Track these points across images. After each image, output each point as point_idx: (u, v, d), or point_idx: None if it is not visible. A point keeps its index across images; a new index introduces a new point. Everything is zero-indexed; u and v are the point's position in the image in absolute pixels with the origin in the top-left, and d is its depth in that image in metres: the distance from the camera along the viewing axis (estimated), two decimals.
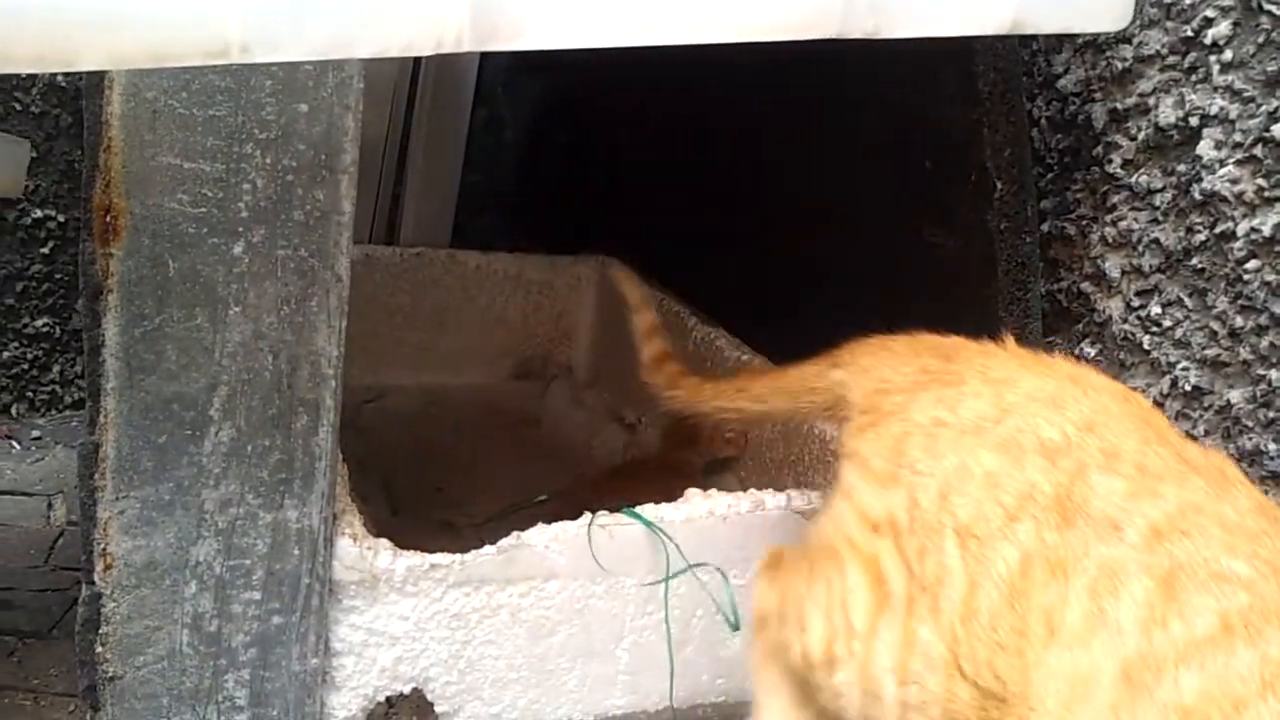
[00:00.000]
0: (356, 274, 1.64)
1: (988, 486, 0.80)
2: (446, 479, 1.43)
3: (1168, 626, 0.70)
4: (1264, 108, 0.97)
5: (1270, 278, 0.95)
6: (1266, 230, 0.96)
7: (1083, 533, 0.76)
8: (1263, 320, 0.96)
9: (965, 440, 0.83)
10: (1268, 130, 0.97)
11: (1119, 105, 1.10)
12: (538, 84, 1.84)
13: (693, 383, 1.08)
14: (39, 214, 1.63)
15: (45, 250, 1.64)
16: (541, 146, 1.86)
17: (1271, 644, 0.68)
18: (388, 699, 0.96)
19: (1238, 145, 0.99)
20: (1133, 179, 1.08)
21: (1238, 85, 1.00)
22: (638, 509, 0.99)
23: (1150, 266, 1.06)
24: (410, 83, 1.85)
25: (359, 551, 0.93)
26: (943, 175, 1.10)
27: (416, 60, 1.81)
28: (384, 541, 0.95)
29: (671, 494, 1.04)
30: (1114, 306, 1.09)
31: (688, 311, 1.46)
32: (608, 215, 1.74)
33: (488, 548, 0.95)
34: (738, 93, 1.36)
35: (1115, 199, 1.09)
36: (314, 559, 0.93)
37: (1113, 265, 1.09)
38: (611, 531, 0.97)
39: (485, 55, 1.83)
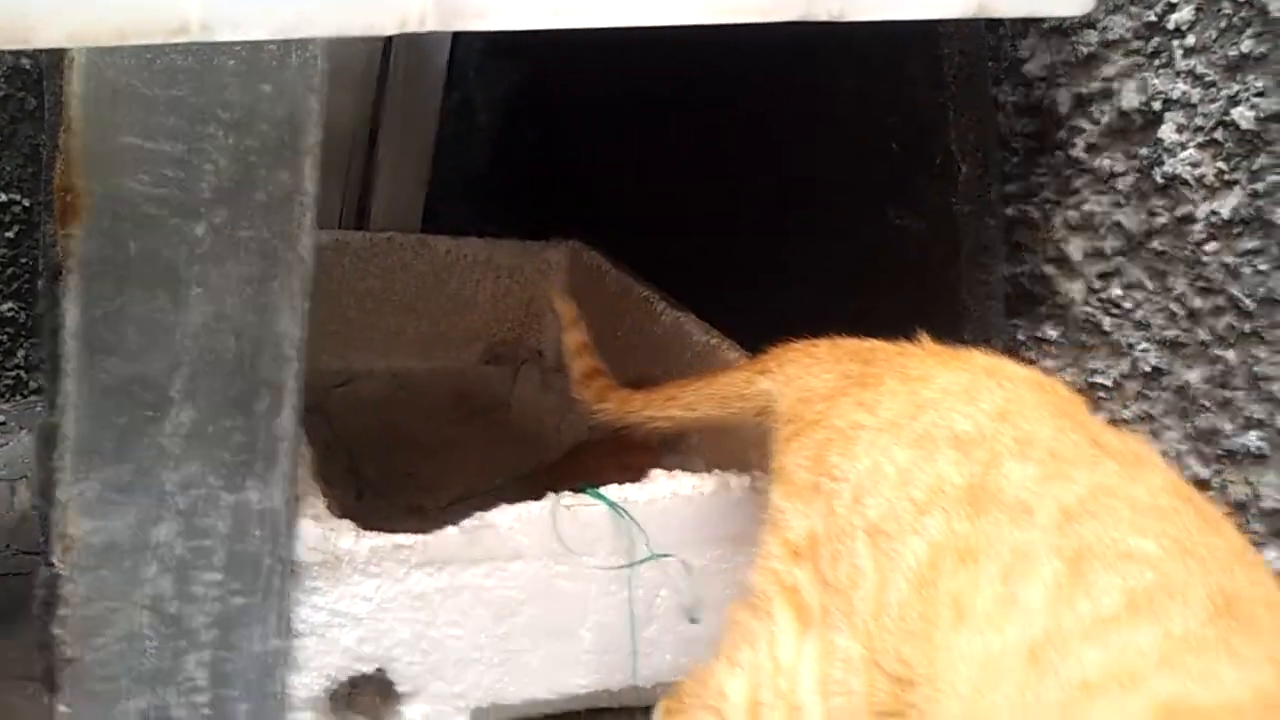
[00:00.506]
0: (326, 259, 1.64)
1: (899, 483, 0.81)
2: (416, 463, 1.43)
3: (1075, 606, 0.71)
4: (1224, 92, 0.98)
5: (1228, 259, 0.96)
6: (1225, 213, 0.96)
7: (995, 519, 0.77)
8: (1220, 302, 0.97)
9: (881, 440, 0.84)
10: (1228, 114, 0.98)
11: (1083, 90, 1.11)
12: (510, 68, 1.84)
13: (622, 395, 1.10)
14: (3, 198, 1.61)
15: (10, 235, 1.63)
16: (514, 131, 1.85)
17: (1174, 620, 0.69)
18: (350, 679, 0.96)
19: (1199, 129, 1.00)
20: (1096, 163, 1.08)
21: (1199, 70, 1.00)
22: (601, 489, 0.99)
23: (1112, 249, 1.06)
24: (381, 66, 1.84)
25: (321, 533, 0.93)
26: (908, 159, 1.11)
27: (388, 43, 1.80)
28: (347, 523, 0.95)
29: (632, 469, 1.05)
30: (1076, 289, 1.10)
31: (656, 296, 1.46)
32: (580, 200, 1.74)
33: (451, 528, 0.95)
34: (709, 77, 1.36)
35: (1078, 183, 1.10)
36: (276, 540, 0.92)
37: (1075, 248, 1.10)
38: (575, 512, 0.97)
39: (457, 38, 1.82)
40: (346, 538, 0.94)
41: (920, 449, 0.82)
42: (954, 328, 1.08)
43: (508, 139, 1.85)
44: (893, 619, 0.78)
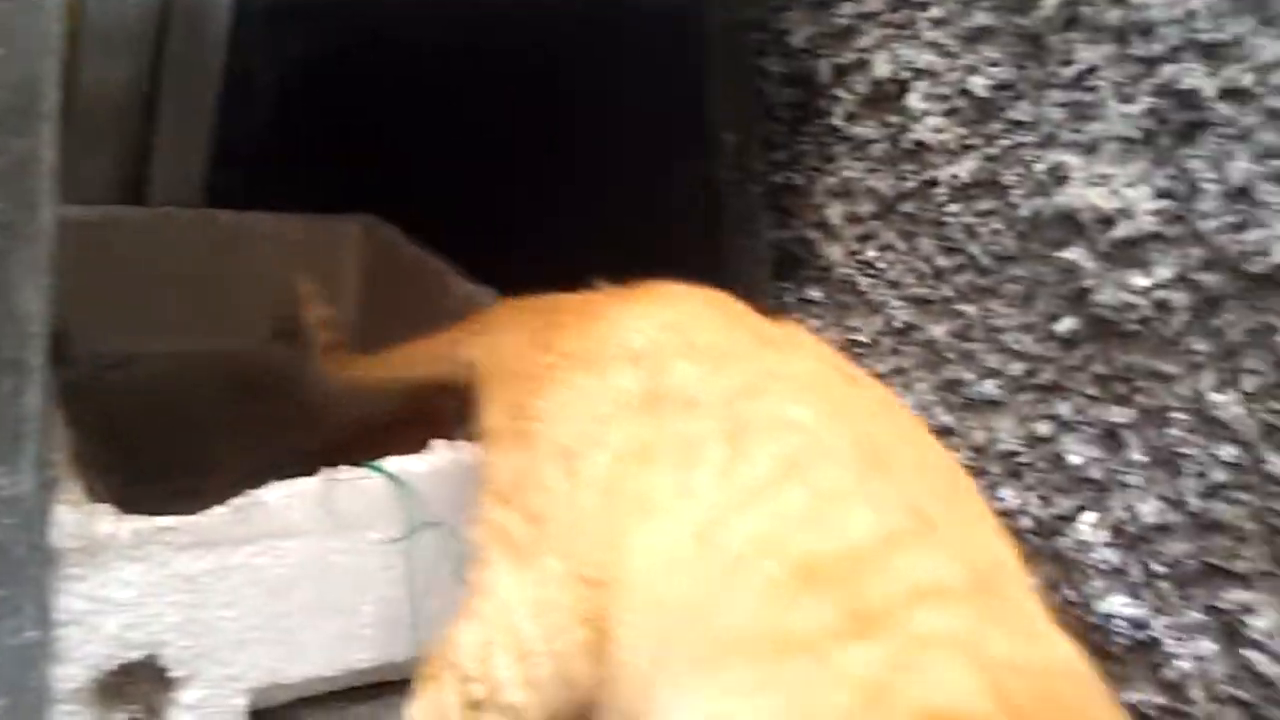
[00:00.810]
0: (99, 235, 1.55)
1: (584, 405, 0.86)
2: (197, 446, 1.38)
3: (733, 480, 0.76)
4: (963, 61, 1.05)
5: (968, 220, 1.03)
6: (965, 176, 1.03)
7: (668, 417, 0.82)
8: (961, 260, 1.03)
9: (567, 372, 0.89)
10: (966, 83, 1.04)
11: (842, 60, 1.16)
12: (295, 33, 1.78)
13: (365, 361, 1.14)
14: None
15: None
16: (301, 100, 1.80)
17: (822, 478, 0.74)
18: (118, 668, 0.93)
19: (941, 97, 1.06)
20: (853, 131, 1.14)
21: (942, 41, 1.07)
22: (379, 461, 0.99)
23: (867, 213, 1.12)
24: (159, 30, 1.75)
25: (79, 518, 0.89)
26: (674, 128, 1.13)
27: (165, 6, 1.72)
28: (106, 506, 0.91)
29: (424, 445, 1.04)
30: (836, 252, 1.15)
31: (449, 270, 1.45)
32: (373, 172, 1.71)
33: (219, 508, 0.93)
34: (488, 48, 1.36)
35: (837, 150, 1.15)
36: (29, 528, 0.88)
37: (834, 213, 1.15)
38: (352, 485, 0.96)
39: (240, 1, 1.75)
40: (106, 522, 0.90)
41: (600, 371, 0.87)
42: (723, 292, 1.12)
43: (295, 108, 1.79)
44: (585, 530, 0.82)
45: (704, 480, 0.77)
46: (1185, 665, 0.85)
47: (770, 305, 1.18)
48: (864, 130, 1.13)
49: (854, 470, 0.75)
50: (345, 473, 0.97)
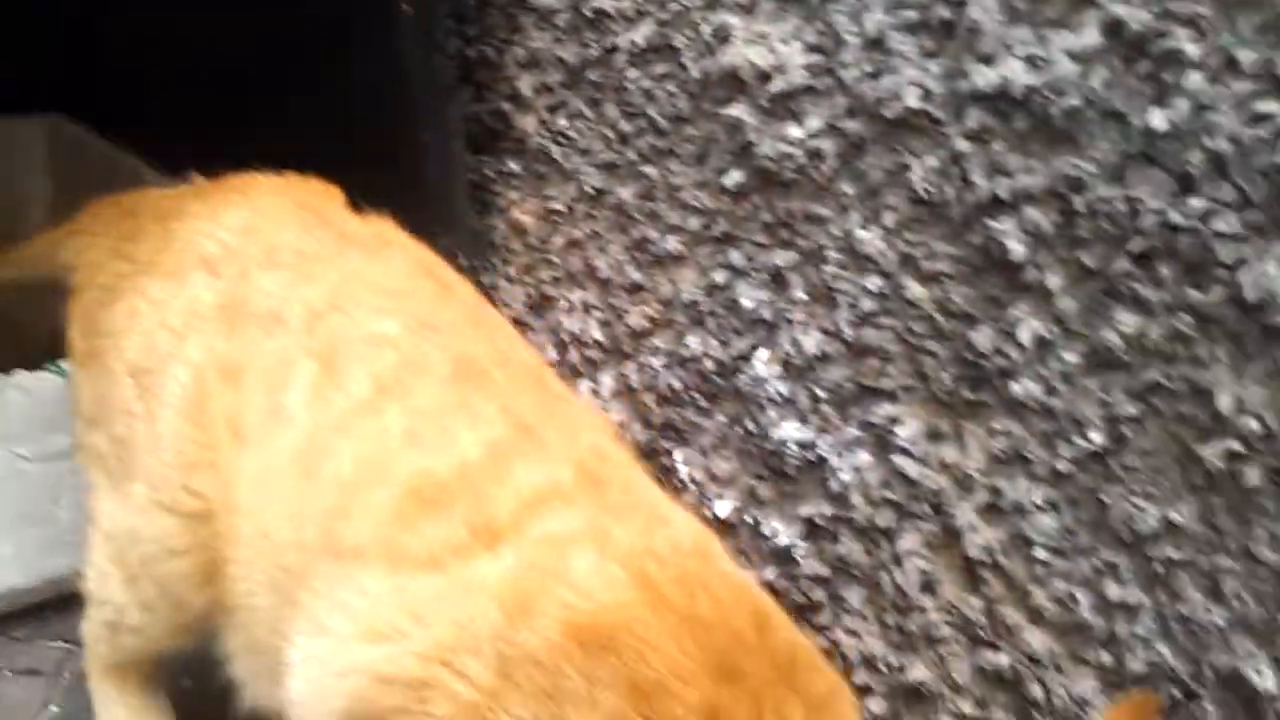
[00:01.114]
0: None
1: (155, 317, 0.82)
2: None
3: (330, 403, 0.74)
4: None
5: (646, 84, 1.06)
6: (641, 41, 1.06)
7: (251, 332, 0.79)
8: (643, 124, 1.07)
9: (138, 282, 0.84)
10: None
11: None
12: None
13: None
14: None
15: None
16: None
17: (417, 395, 0.74)
18: None
19: None
20: (538, 1, 1.14)
21: None
22: (61, 363, 0.95)
23: (556, 83, 1.14)
24: None
25: None
26: (353, 4, 1.10)
27: None
28: None
29: None
30: (529, 123, 1.17)
31: (143, 166, 1.38)
32: (54, 69, 1.58)
33: None
34: None
35: (524, 21, 1.16)
36: None
37: (526, 84, 1.16)
38: (30, 390, 0.92)
39: None
40: None
41: (172, 279, 0.82)
42: (418, 168, 1.12)
43: None
44: (170, 453, 0.78)
45: (296, 403, 0.74)
46: (847, 476, 0.94)
47: (470, 180, 1.19)
48: (548, 1, 1.13)
49: (449, 384, 0.73)
50: (23, 377, 0.93)
